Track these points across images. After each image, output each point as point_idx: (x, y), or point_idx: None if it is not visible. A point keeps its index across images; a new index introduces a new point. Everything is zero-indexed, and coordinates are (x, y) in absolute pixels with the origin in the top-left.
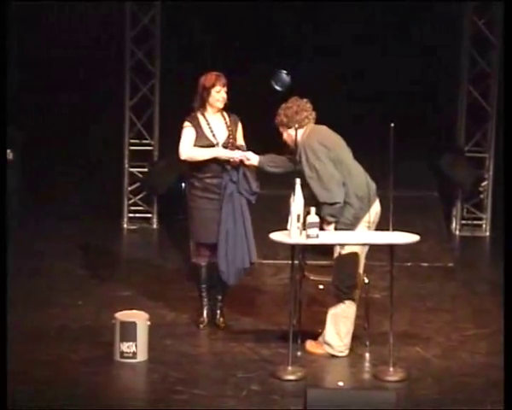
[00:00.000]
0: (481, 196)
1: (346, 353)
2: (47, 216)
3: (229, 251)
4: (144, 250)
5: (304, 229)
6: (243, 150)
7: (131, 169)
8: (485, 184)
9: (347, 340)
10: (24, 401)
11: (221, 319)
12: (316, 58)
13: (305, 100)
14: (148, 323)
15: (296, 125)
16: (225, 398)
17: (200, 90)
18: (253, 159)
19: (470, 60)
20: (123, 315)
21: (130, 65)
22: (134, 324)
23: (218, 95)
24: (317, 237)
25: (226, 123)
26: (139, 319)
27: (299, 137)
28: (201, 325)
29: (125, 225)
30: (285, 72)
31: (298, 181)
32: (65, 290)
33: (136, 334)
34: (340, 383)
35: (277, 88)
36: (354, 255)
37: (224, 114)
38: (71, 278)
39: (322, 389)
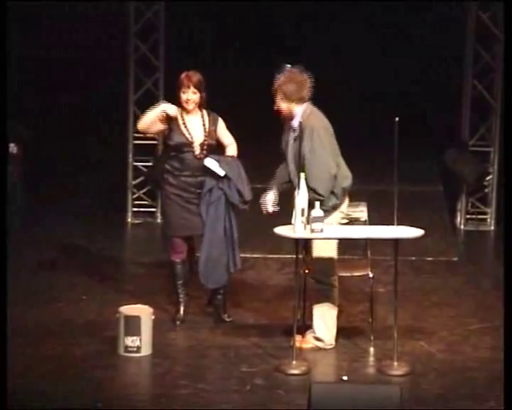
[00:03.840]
0: (486, 190)
1: (334, 343)
2: (50, 211)
3: (211, 256)
4: (148, 244)
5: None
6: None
7: (136, 163)
8: (489, 178)
9: (335, 330)
10: (27, 396)
11: (226, 315)
12: (316, 58)
13: (305, 74)
14: (153, 317)
15: (298, 101)
16: (229, 392)
17: (176, 90)
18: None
19: (474, 54)
20: (127, 309)
21: (134, 59)
22: (138, 318)
23: (185, 96)
24: (322, 231)
25: (203, 123)
26: (143, 313)
27: (299, 113)
28: (178, 322)
29: (130, 220)
30: (289, 66)
31: (302, 175)
32: (68, 285)
33: (140, 328)
34: (345, 378)
35: None
36: (330, 245)
37: (204, 113)
38: (74, 273)
39: (327, 384)
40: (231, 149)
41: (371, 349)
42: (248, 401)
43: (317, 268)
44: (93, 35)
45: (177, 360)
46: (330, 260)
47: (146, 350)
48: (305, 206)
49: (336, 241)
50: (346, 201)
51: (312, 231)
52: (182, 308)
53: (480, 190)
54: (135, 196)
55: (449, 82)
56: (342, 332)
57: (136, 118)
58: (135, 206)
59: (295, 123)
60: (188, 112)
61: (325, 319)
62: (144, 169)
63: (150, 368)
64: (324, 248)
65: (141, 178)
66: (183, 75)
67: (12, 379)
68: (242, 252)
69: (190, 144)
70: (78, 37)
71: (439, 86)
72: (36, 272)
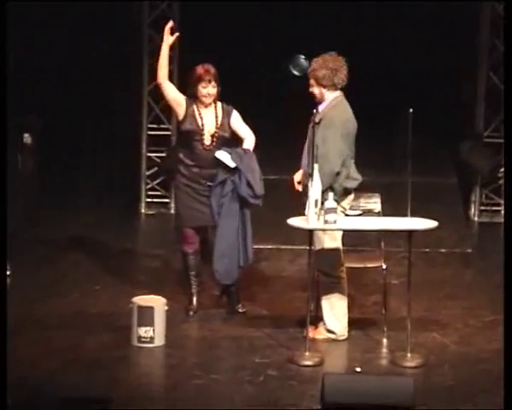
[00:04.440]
0: (500, 181)
1: (346, 334)
2: (63, 201)
3: (225, 253)
4: (162, 235)
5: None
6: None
7: (149, 154)
8: (503, 169)
9: (345, 321)
10: (41, 387)
11: (239, 305)
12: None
13: (341, 60)
14: (166, 308)
15: (330, 87)
16: (242, 383)
17: (191, 83)
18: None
19: (489, 45)
20: (140, 300)
21: (148, 50)
22: (151, 309)
23: (205, 90)
24: (335, 222)
25: (216, 114)
26: (157, 303)
27: (329, 100)
28: (191, 312)
29: (143, 210)
30: (303, 57)
31: (316, 167)
32: (81, 276)
33: (153, 319)
34: (358, 369)
35: (295, 73)
36: (334, 237)
37: (219, 105)
38: (88, 264)
39: (340, 375)
40: (248, 142)
41: (384, 341)
42: (261, 392)
43: (322, 261)
44: (104, 25)
45: (190, 350)
46: (336, 251)
47: (159, 341)
48: (319, 197)
49: (340, 232)
50: (350, 197)
51: (326, 222)
52: (195, 299)
53: (494, 181)
54: (148, 187)
55: (464, 73)
56: (355, 324)
57: (150, 109)
58: (148, 196)
59: (320, 108)
60: (205, 105)
61: (335, 311)
62: (158, 160)
63: (163, 359)
64: (328, 241)
65: (154, 169)
66: (200, 69)
67: (26, 370)
68: (255, 243)
69: (200, 133)
70: (89, 30)
71: (454, 78)
72: (48, 262)
